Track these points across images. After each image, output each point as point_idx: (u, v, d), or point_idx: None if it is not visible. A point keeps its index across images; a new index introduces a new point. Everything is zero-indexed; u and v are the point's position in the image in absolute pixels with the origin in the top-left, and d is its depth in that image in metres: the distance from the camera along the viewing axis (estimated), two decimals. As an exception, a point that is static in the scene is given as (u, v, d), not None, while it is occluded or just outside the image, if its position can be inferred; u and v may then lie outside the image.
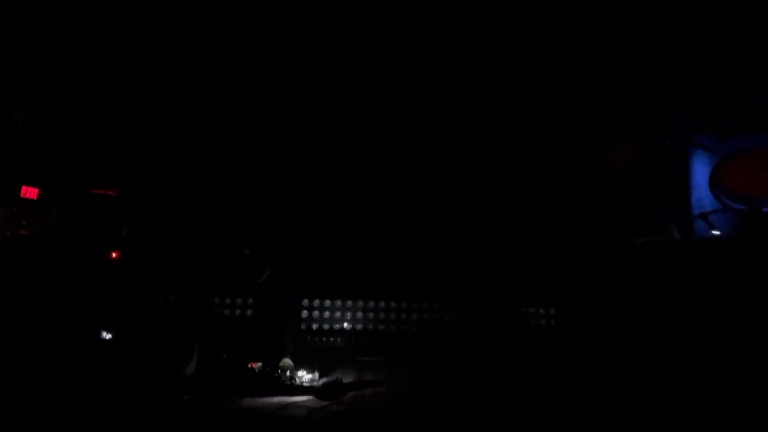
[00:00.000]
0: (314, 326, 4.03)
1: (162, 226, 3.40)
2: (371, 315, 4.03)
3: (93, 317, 3.14)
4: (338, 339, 3.93)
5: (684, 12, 3.47)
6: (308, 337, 3.94)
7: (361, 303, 4.05)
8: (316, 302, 4.08)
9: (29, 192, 2.64)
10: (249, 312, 4.10)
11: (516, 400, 2.38)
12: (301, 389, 2.68)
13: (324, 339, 3.99)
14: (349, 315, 4.06)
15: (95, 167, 3.75)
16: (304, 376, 2.81)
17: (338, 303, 4.08)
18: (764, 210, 3.05)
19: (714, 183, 4.76)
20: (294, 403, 2.49)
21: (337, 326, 4.02)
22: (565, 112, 4.04)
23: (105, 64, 3.31)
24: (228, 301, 4.12)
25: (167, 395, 2.36)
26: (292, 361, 3.13)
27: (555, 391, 2.49)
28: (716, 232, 3.02)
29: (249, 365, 2.89)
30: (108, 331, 2.97)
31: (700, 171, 4.88)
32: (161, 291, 4.12)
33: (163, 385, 2.40)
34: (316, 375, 2.86)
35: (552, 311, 3.30)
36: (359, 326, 4.01)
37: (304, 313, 4.03)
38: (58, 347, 2.41)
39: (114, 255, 2.97)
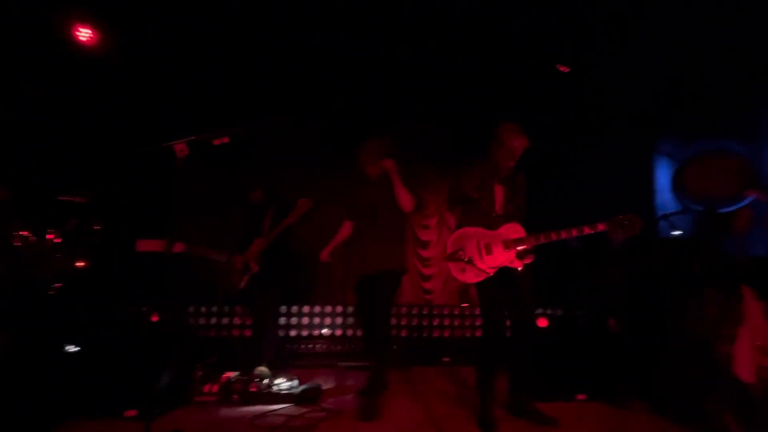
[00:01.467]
0: (292, 333, 3.99)
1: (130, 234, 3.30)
2: (351, 320, 4.03)
3: (62, 326, 3.01)
4: (317, 345, 3.91)
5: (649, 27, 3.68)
6: (286, 344, 3.89)
7: (340, 308, 4.04)
8: (294, 308, 4.04)
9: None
10: (225, 320, 4.02)
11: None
12: (280, 397, 2.64)
13: (303, 346, 3.95)
14: (329, 320, 4.04)
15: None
16: (282, 384, 2.76)
17: (317, 309, 4.06)
18: (719, 211, 3.24)
19: (676, 186, 5.03)
20: (272, 412, 2.44)
21: (317, 332, 4.00)
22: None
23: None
24: (203, 309, 4.03)
25: (142, 406, 2.28)
26: (270, 369, 3.07)
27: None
28: (677, 232, 3.18)
29: (224, 375, 2.83)
30: (74, 344, 2.86)
31: (663, 175, 5.16)
32: (133, 300, 4.00)
33: (137, 396, 2.31)
34: (296, 382, 2.82)
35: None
36: (339, 332, 4.00)
37: (282, 320, 3.99)
38: (28, 357, 2.28)
39: (81, 264, 2.86)
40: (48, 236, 2.64)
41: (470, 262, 2.23)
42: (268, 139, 4.87)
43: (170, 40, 4.23)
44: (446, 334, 4.14)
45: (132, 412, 2.27)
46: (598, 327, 3.03)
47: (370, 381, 2.51)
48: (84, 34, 3.71)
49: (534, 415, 2.33)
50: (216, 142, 1.64)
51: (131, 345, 2.60)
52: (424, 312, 4.20)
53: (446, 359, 3.91)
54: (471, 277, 2.28)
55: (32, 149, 3.73)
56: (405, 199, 2.55)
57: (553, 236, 2.18)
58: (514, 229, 2.29)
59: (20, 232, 2.53)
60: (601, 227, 2.13)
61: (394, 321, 4.14)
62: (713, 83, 4.12)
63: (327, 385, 3.07)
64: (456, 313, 4.20)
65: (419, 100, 5.68)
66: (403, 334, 4.10)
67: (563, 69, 3.97)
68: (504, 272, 2.28)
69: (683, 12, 3.55)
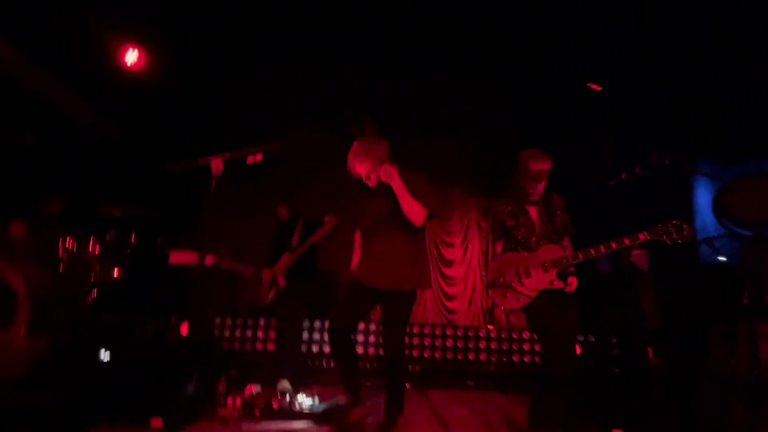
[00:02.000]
0: (315, 348, 3.98)
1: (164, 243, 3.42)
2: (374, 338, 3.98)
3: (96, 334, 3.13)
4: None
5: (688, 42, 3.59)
6: (310, 360, 3.88)
7: (363, 325, 4.00)
8: (317, 323, 4.04)
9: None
10: (249, 333, 4.06)
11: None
12: (301, 414, 2.61)
13: (326, 361, 3.92)
14: (352, 337, 4.01)
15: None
16: (304, 401, 2.74)
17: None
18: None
19: (717, 208, 4.77)
20: (293, 429, 2.42)
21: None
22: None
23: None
24: (228, 321, 4.09)
25: (168, 416, 2.31)
26: (292, 384, 3.06)
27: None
28: (723, 258, 2.99)
29: (247, 388, 2.84)
30: (107, 351, 2.96)
31: (703, 196, 4.90)
32: (163, 311, 4.12)
33: (163, 406, 2.35)
34: (317, 399, 2.79)
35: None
36: (361, 350, 3.96)
37: (305, 335, 3.99)
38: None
39: (117, 274, 2.98)
40: (88, 247, 2.77)
41: (509, 286, 2.22)
42: (297, 155, 5.00)
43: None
44: (470, 356, 4.02)
45: (158, 422, 2.30)
46: (634, 356, 2.86)
47: (388, 407, 2.40)
48: (131, 57, 3.97)
49: None
50: (249, 160, 1.69)
51: (159, 355, 2.66)
52: (448, 333, 4.10)
53: (470, 383, 3.79)
54: (512, 303, 2.25)
55: (76, 164, 3.98)
56: (413, 212, 2.18)
57: (592, 252, 2.13)
58: (551, 250, 2.25)
59: (65, 242, 2.67)
60: (642, 237, 2.04)
61: (416, 341, 4.06)
62: (755, 102, 3.93)
63: (346, 400, 3.01)
64: (481, 335, 4.08)
65: (446, 118, 5.70)
66: (426, 354, 4.01)
67: (595, 87, 3.90)
68: (552, 295, 2.22)
69: (722, 31, 3.45)
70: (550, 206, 2.37)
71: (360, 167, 2.30)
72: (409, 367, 3.80)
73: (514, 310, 2.30)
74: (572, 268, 2.23)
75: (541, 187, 2.32)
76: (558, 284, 2.20)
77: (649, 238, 2.04)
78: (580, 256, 2.15)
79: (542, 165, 2.25)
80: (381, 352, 3.62)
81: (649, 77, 3.98)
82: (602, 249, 2.11)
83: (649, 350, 2.65)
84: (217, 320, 4.08)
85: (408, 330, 4.08)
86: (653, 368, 2.61)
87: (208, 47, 5.30)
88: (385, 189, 2.25)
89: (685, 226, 2.01)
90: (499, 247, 2.43)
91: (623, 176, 3.04)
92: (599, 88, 3.98)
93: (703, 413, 2.38)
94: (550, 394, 2.18)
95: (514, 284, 2.23)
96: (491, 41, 5.28)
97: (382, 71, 5.53)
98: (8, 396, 1.91)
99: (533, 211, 2.37)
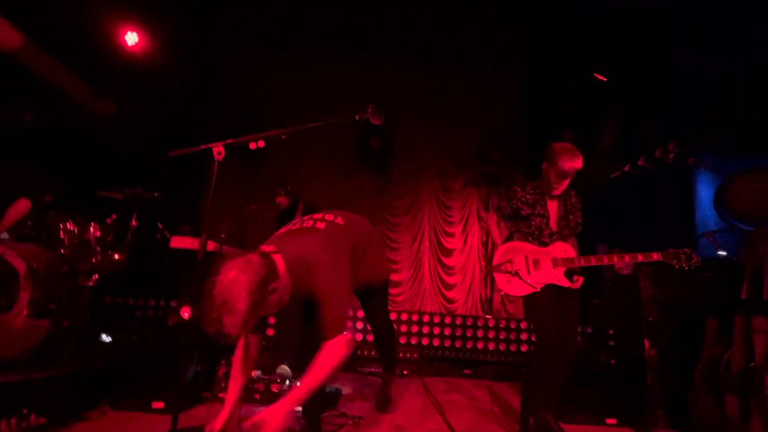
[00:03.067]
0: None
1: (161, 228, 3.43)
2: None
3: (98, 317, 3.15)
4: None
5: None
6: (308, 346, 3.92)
7: (361, 313, 4.03)
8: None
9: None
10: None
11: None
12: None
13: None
14: (349, 324, 4.05)
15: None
16: (303, 386, 2.77)
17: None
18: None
19: (718, 202, 4.76)
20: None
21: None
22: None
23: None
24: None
25: (169, 399, 2.34)
26: (291, 369, 3.10)
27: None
28: (722, 252, 3.00)
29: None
30: (108, 334, 2.98)
31: (705, 190, 4.89)
32: (163, 295, 4.14)
33: (164, 388, 2.38)
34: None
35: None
36: (359, 337, 3.99)
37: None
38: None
39: (118, 257, 2.98)
40: (89, 230, 2.77)
41: (517, 274, 2.25)
42: (299, 142, 4.97)
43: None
44: (468, 345, 4.06)
45: (159, 404, 2.33)
46: (630, 348, 2.89)
47: (385, 390, 2.44)
48: (131, 38, 3.91)
49: None
50: (252, 146, 1.68)
51: (160, 338, 2.68)
52: (446, 321, 4.14)
53: (467, 371, 3.83)
54: (516, 290, 2.28)
55: (77, 147, 3.95)
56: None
57: (605, 260, 2.17)
58: (564, 248, 2.28)
59: (66, 225, 2.67)
60: (655, 257, 2.12)
61: (415, 329, 4.10)
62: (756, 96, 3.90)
63: (346, 389, 3.06)
64: (480, 324, 4.12)
65: (449, 108, 5.65)
66: (424, 342, 4.06)
67: (601, 78, 3.86)
68: (554, 290, 2.25)
69: (721, 22, 3.40)
70: (568, 203, 2.38)
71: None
72: (408, 354, 3.84)
73: (516, 298, 2.33)
74: (577, 268, 2.25)
75: (566, 183, 2.31)
76: (565, 283, 2.23)
77: (661, 259, 2.12)
78: (593, 261, 2.19)
79: (574, 163, 2.23)
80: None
81: (655, 70, 3.94)
82: (615, 259, 2.17)
83: (646, 342, 2.67)
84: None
85: (406, 318, 4.13)
86: (649, 360, 2.63)
87: (213, 31, 5.23)
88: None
89: (694, 255, 2.10)
90: (493, 221, 2.45)
91: (626, 169, 3.03)
92: (605, 80, 3.94)
93: (696, 405, 2.42)
94: (543, 383, 2.21)
95: (521, 273, 2.25)
96: (496, 32, 5.21)
97: (385, 60, 5.49)
98: (10, 376, 1.93)
99: (553, 206, 2.37)
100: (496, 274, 2.36)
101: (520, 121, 5.59)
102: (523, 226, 2.37)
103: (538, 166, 2.55)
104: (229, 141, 1.63)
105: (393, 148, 5.38)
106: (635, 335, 2.75)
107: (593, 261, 2.18)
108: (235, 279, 1.37)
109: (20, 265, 2.23)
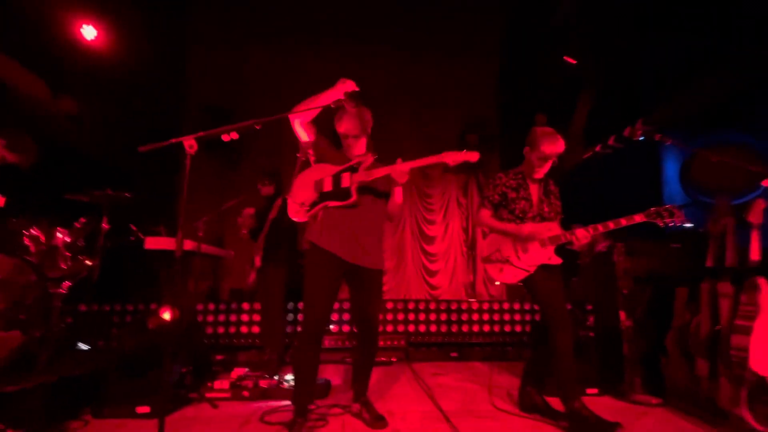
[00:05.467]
0: (300, 329, 3.99)
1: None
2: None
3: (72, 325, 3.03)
4: (325, 341, 3.91)
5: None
6: (295, 340, 3.90)
7: (348, 304, 4.04)
8: (301, 304, 4.04)
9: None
10: (233, 317, 4.03)
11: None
12: (289, 392, 2.64)
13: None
14: (336, 317, 4.05)
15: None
16: (291, 380, 2.77)
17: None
18: (733, 203, 3.20)
19: (684, 178, 4.99)
20: (281, 407, 2.45)
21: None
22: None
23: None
24: (211, 306, 4.04)
25: (154, 402, 2.29)
26: (279, 365, 3.08)
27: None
28: (688, 225, 3.14)
29: (234, 371, 2.84)
30: (84, 342, 2.88)
31: (671, 167, 5.11)
32: (142, 298, 4.02)
33: (149, 393, 2.32)
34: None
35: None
36: (346, 328, 4.00)
37: (290, 316, 4.00)
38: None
39: (90, 262, 2.86)
40: (57, 235, 2.64)
41: (508, 261, 2.27)
42: (273, 137, 4.86)
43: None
44: (454, 329, 4.13)
45: (145, 409, 2.28)
46: (607, 320, 3.01)
47: (363, 379, 2.38)
48: (89, 32, 3.71)
49: (546, 411, 2.32)
50: (225, 138, 1.63)
51: (141, 342, 2.61)
52: (431, 307, 4.19)
53: (454, 354, 3.91)
54: (510, 277, 2.29)
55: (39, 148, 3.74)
56: (398, 209, 2.31)
57: (591, 231, 2.17)
58: (548, 227, 2.29)
59: (30, 232, 2.53)
60: (638, 219, 2.11)
61: (401, 316, 4.15)
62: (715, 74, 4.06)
63: (336, 380, 3.07)
64: (464, 308, 4.20)
65: (426, 95, 5.64)
66: (411, 329, 4.11)
67: (570, 61, 3.94)
68: (547, 269, 2.27)
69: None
70: (548, 188, 2.42)
71: (351, 129, 2.22)
72: (395, 342, 3.88)
73: (513, 284, 2.33)
74: (565, 243, 2.26)
75: (547, 167, 2.34)
76: (556, 260, 2.25)
77: (645, 220, 2.11)
78: (579, 235, 2.18)
79: (555, 148, 2.25)
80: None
81: (624, 50, 4.04)
82: (600, 228, 2.15)
83: (621, 314, 2.79)
84: (199, 306, 4.02)
85: (392, 306, 4.17)
86: (625, 330, 2.75)
87: (177, 21, 5.00)
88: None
89: (675, 210, 2.10)
90: (486, 214, 2.41)
91: (597, 149, 3.11)
92: (575, 62, 4.02)
93: (669, 369, 2.55)
94: (560, 361, 2.21)
95: (511, 259, 2.27)
96: (470, 19, 5.21)
97: (362, 49, 5.42)
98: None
99: (534, 189, 2.40)
100: (487, 266, 2.38)
101: (495, 107, 5.66)
102: (505, 212, 2.39)
103: (514, 151, 2.59)
104: (201, 134, 1.58)
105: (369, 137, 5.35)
106: (611, 308, 2.86)
107: (579, 234, 2.19)
108: None
109: (-16, 276, 2.11)
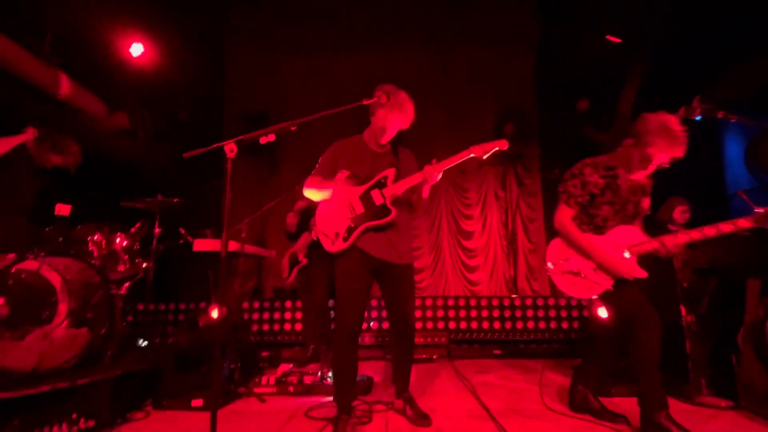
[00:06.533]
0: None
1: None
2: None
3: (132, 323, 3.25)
4: (366, 338, 3.93)
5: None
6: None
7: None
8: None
9: (63, 209, 2.76)
10: (276, 315, 4.17)
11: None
12: (333, 388, 2.68)
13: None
14: (375, 314, 4.07)
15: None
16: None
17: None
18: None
19: (749, 159, 4.52)
20: (325, 403, 2.49)
21: (365, 325, 4.04)
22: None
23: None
24: (256, 304, 4.20)
25: (207, 396, 2.42)
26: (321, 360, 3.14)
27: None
28: (759, 211, 2.85)
29: (280, 367, 2.93)
30: (143, 338, 3.09)
31: (734, 148, 4.65)
32: (192, 297, 4.25)
33: (202, 387, 2.46)
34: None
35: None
36: (387, 325, 4.01)
37: (332, 313, 4.06)
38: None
39: (145, 265, 3.06)
40: (116, 240, 2.85)
41: (578, 274, 2.00)
42: (309, 139, 4.97)
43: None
44: (496, 325, 4.02)
45: (198, 402, 2.40)
46: (666, 316, 2.80)
47: (403, 375, 2.35)
48: (136, 49, 3.96)
49: (599, 411, 2.19)
50: (263, 140, 1.67)
51: (194, 339, 2.76)
52: (471, 304, 4.11)
53: (497, 351, 3.81)
54: (584, 292, 1.99)
55: (96, 162, 4.06)
56: (422, 203, 2.22)
57: (685, 238, 1.84)
58: (629, 233, 1.97)
59: (94, 237, 2.76)
60: (743, 223, 1.77)
61: (441, 313, 4.09)
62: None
63: (377, 377, 3.09)
64: (506, 304, 4.07)
65: (463, 86, 5.52)
66: (451, 326, 4.04)
67: (614, 40, 3.69)
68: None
69: None
70: (645, 188, 2.08)
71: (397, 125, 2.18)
72: (436, 339, 3.84)
73: (589, 300, 2.10)
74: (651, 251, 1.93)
75: (650, 170, 1.95)
76: (641, 273, 1.90)
77: (753, 226, 1.77)
78: (672, 240, 1.84)
79: (674, 152, 1.85)
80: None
81: (677, 26, 3.73)
82: (695, 235, 1.82)
83: (682, 308, 2.58)
84: (245, 304, 4.20)
85: (431, 303, 4.12)
86: (687, 326, 2.54)
87: (217, 34, 5.23)
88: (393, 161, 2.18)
89: None
90: (568, 215, 2.05)
91: None
92: (618, 41, 3.76)
93: (742, 370, 2.33)
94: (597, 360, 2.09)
95: (584, 272, 1.98)
96: (505, 6, 5.02)
97: (395, 43, 5.41)
98: (58, 382, 2.02)
99: (624, 189, 2.02)
100: (554, 277, 2.09)
101: (533, 95, 5.43)
102: (583, 216, 2.04)
103: (552, 141, 2.42)
104: (240, 138, 1.63)
105: (404, 133, 5.32)
106: (671, 302, 2.66)
107: (668, 243, 1.83)
108: None
109: (55, 279, 2.32)
